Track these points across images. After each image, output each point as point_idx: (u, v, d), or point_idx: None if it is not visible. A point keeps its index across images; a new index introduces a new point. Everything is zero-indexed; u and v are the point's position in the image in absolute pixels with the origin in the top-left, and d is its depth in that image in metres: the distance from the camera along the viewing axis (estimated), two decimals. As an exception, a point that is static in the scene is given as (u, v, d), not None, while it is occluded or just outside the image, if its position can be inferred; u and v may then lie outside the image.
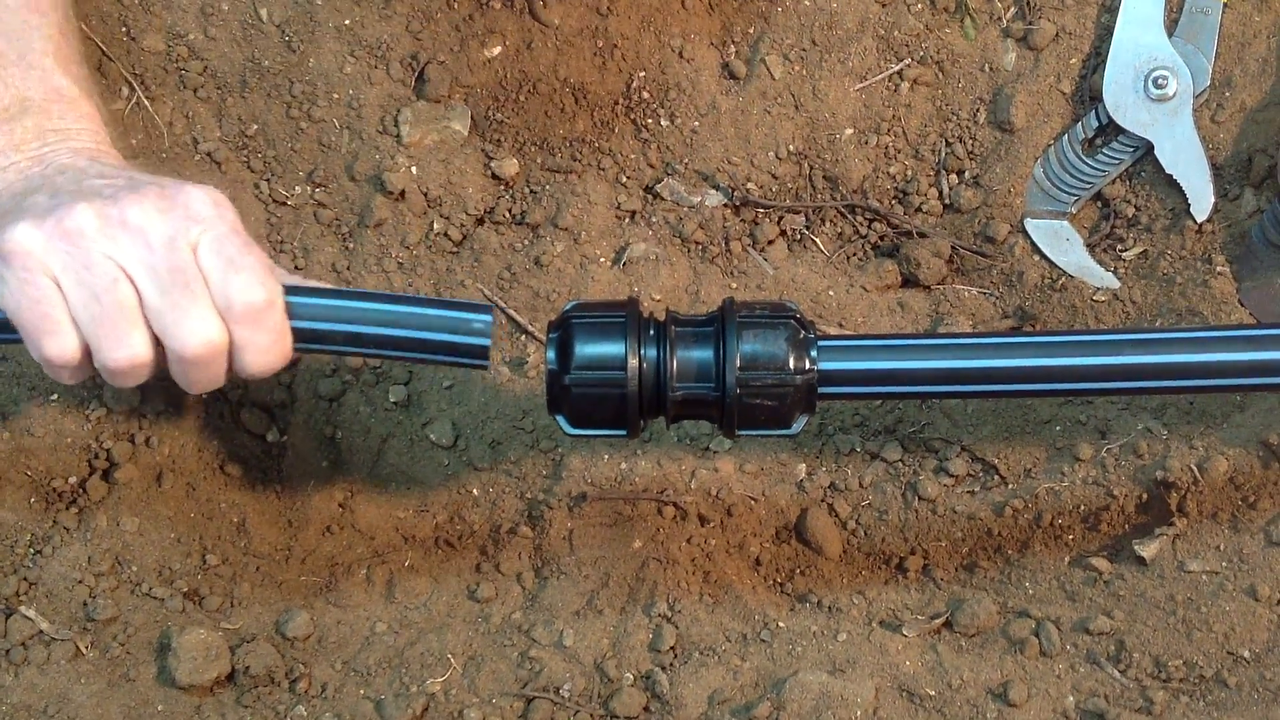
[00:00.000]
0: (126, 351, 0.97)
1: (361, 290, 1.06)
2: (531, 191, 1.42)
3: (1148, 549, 1.19)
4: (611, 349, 1.01)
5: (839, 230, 1.44)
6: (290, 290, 1.02)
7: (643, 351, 1.02)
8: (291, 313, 1.02)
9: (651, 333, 1.03)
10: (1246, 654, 1.11)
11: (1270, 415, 1.22)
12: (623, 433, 1.05)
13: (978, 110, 1.42)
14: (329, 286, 1.06)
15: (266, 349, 0.99)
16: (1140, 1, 1.38)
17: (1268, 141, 1.35)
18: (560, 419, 1.05)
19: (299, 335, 1.03)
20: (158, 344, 0.98)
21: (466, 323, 1.03)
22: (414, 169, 1.40)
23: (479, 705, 1.13)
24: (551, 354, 1.03)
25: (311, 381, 1.37)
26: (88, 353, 0.98)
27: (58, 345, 0.97)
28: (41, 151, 1.06)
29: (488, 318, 1.03)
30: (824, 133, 1.42)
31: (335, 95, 1.41)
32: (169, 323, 0.96)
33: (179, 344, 0.96)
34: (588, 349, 1.02)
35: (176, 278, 0.95)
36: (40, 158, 1.06)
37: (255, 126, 1.42)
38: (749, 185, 1.42)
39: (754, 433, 1.05)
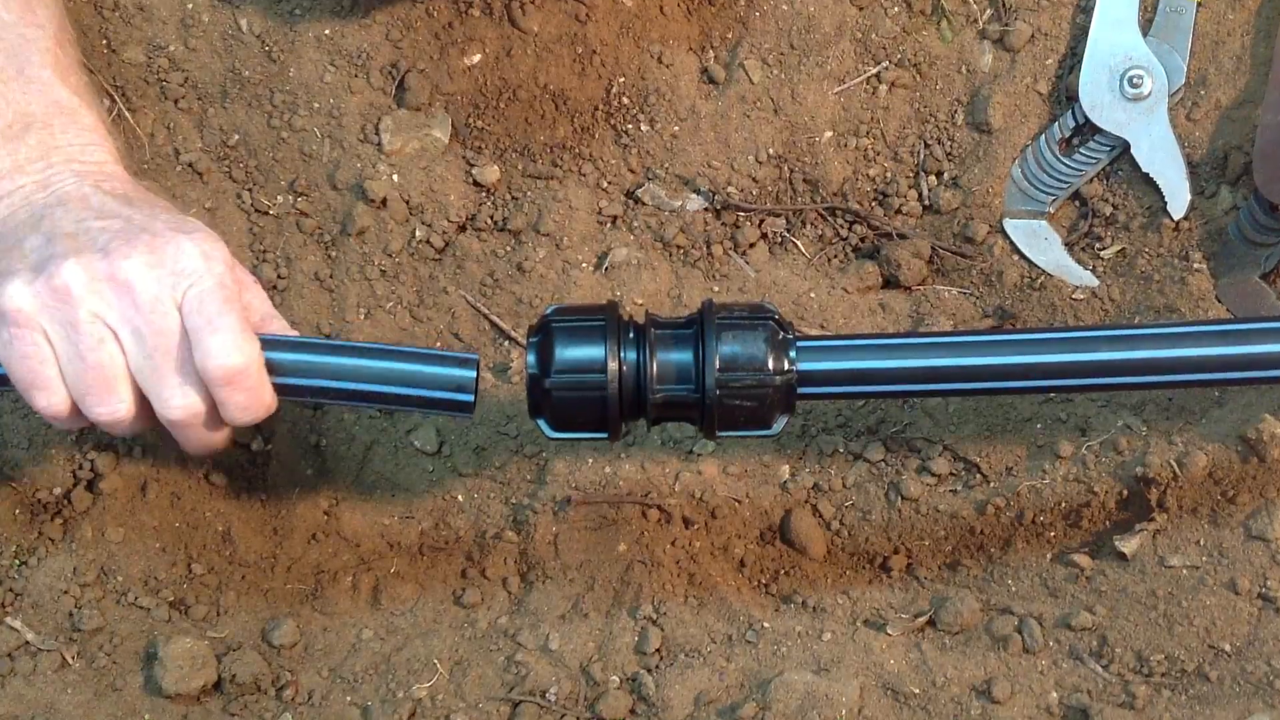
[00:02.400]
0: (109, 409, 0.99)
1: (343, 344, 1.07)
2: (513, 198, 1.43)
3: (1129, 545, 1.19)
4: (591, 352, 1.02)
5: (820, 233, 1.44)
6: (270, 345, 1.03)
7: (623, 354, 1.02)
8: (271, 368, 1.03)
9: (631, 336, 1.03)
10: (1228, 648, 1.11)
11: (1248, 410, 1.23)
12: (604, 436, 1.05)
13: (955, 112, 1.43)
14: (311, 340, 1.07)
15: (245, 407, 1.01)
16: (1115, 2, 1.39)
17: (1243, 139, 1.36)
18: (541, 423, 1.05)
19: (280, 389, 1.04)
20: (143, 399, 1.00)
21: (449, 379, 1.04)
22: (395, 177, 1.41)
23: (465, 710, 1.13)
24: (532, 358, 1.03)
25: (295, 390, 1.37)
26: (74, 404, 1.00)
27: (46, 400, 0.99)
28: (46, 174, 1.06)
29: (471, 373, 1.03)
30: (803, 136, 1.43)
31: (316, 104, 1.41)
32: (152, 385, 0.99)
33: (161, 407, 0.99)
34: (568, 353, 1.02)
35: (159, 341, 0.97)
36: (45, 182, 1.05)
37: (236, 136, 1.42)
38: (729, 189, 1.43)
39: (734, 434, 1.05)
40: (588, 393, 1.02)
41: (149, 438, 1.32)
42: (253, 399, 1.01)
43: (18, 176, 1.05)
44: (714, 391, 1.01)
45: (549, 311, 1.05)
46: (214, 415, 1.01)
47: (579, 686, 1.15)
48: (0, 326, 0.98)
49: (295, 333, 1.08)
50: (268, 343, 1.02)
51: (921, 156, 1.44)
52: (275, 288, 1.38)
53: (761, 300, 1.07)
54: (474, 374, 1.03)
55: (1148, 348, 1.06)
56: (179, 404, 0.99)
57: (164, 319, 0.97)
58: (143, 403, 1.00)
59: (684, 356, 1.03)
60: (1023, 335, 1.11)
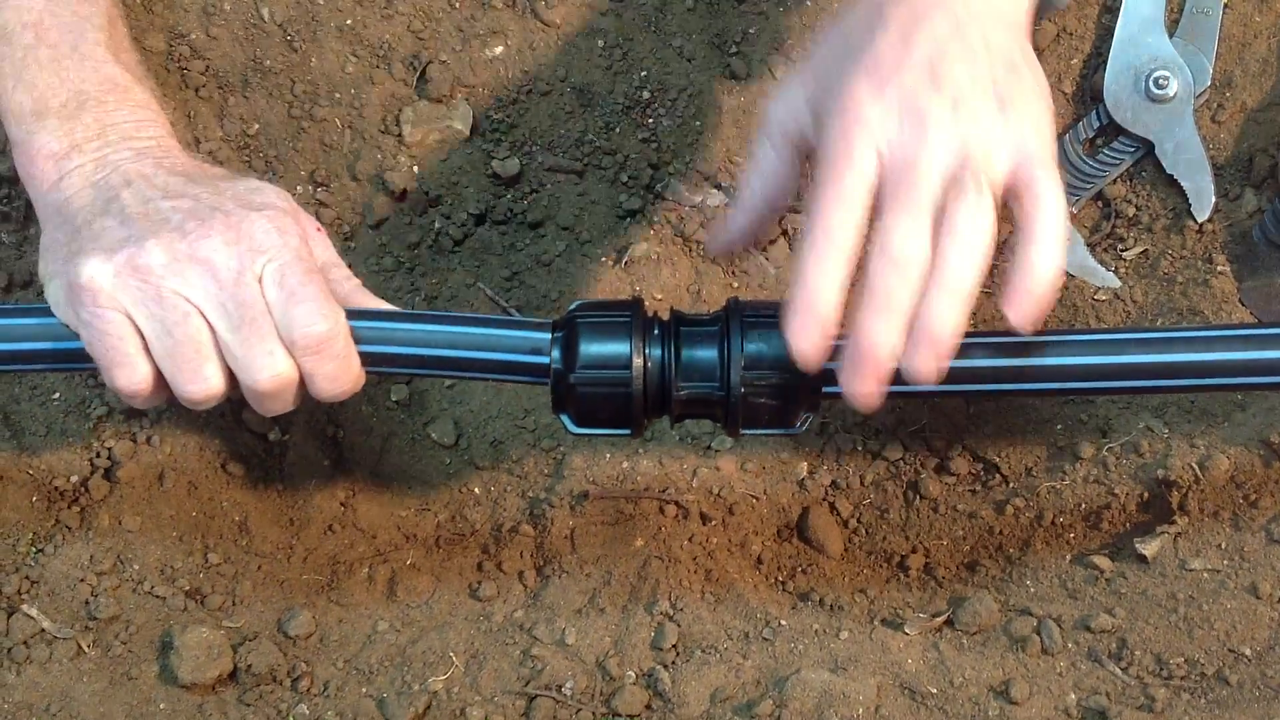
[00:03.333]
0: (202, 385, 0.99)
1: (425, 312, 1.08)
2: (533, 191, 1.42)
3: (1149, 547, 1.19)
4: (616, 348, 1.01)
5: (840, 230, 1.44)
6: (354, 315, 1.03)
7: (647, 351, 1.02)
8: (357, 338, 1.03)
9: (656, 332, 1.03)
10: (1248, 652, 1.11)
11: (1272, 414, 1.23)
12: (627, 432, 1.05)
13: (979, 110, 1.42)
14: (394, 309, 1.07)
15: (334, 376, 1.01)
16: (1141, 2, 1.38)
17: (1268, 141, 1.35)
18: (564, 418, 1.05)
19: (366, 359, 1.04)
20: (231, 374, 1.00)
21: (528, 341, 1.03)
22: (416, 168, 1.41)
23: (481, 703, 1.13)
24: (556, 354, 1.03)
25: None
26: (160, 382, 1.00)
27: (127, 377, 0.99)
28: (104, 153, 1.05)
29: (545, 335, 1.04)
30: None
31: (337, 95, 1.41)
32: (240, 357, 0.98)
33: (250, 378, 0.99)
34: (593, 348, 1.01)
35: (244, 313, 0.97)
36: (103, 160, 1.05)
37: (257, 126, 1.42)
38: (750, 185, 1.42)
39: (758, 431, 1.05)
40: (612, 389, 1.02)
41: (166, 426, 1.32)
42: (341, 368, 1.01)
43: (75, 156, 1.05)
44: (739, 389, 1.01)
45: (574, 307, 1.05)
46: (302, 387, 1.02)
47: (595, 681, 1.15)
48: (79, 305, 0.98)
49: (368, 292, 1.08)
50: (352, 313, 1.03)
51: (944, 155, 1.43)
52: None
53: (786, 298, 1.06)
54: (548, 335, 1.03)
55: (1173, 352, 1.05)
56: (268, 374, 0.99)
57: (246, 291, 0.97)
58: (230, 377, 1.00)
59: (709, 354, 1.02)
60: (1047, 337, 1.10)
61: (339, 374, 1.01)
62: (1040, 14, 1.07)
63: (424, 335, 1.04)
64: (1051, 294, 0.93)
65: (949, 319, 0.91)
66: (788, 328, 0.95)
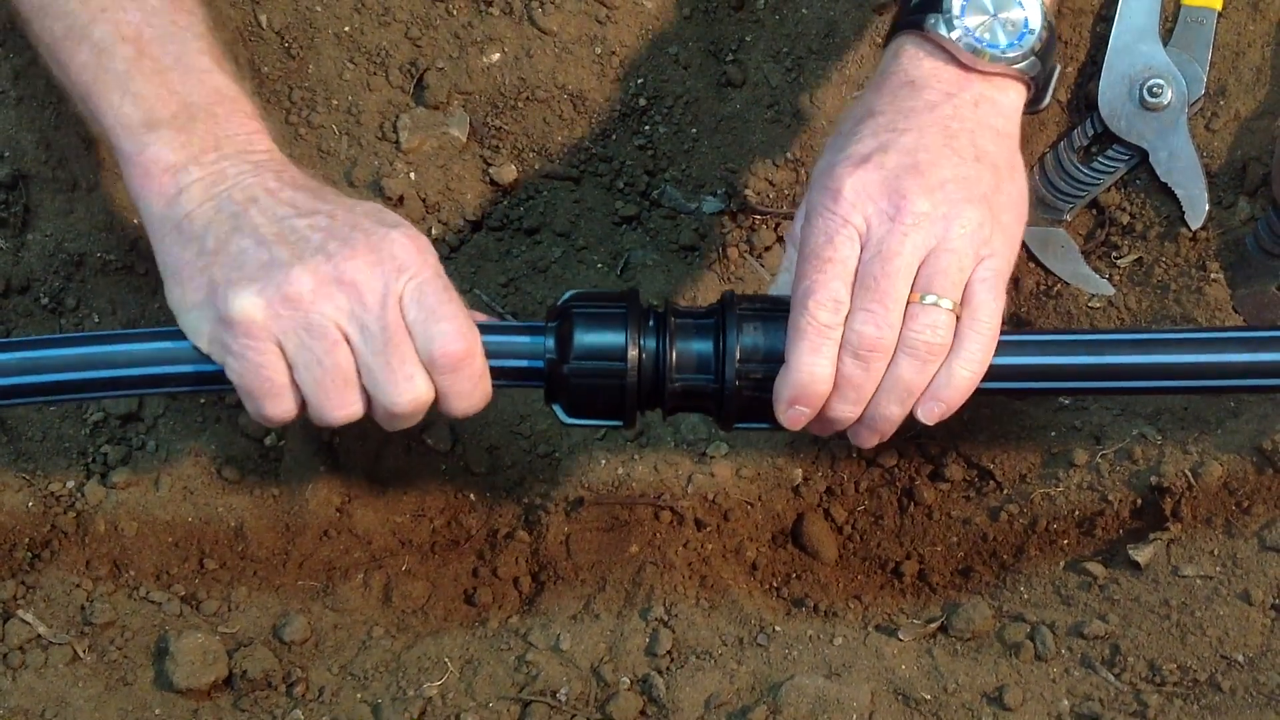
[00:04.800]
0: (345, 411, 0.99)
1: (483, 322, 1.08)
2: (530, 197, 1.43)
3: (1142, 554, 1.19)
4: (611, 339, 1.01)
5: (835, 237, 1.44)
6: (484, 329, 1.04)
7: (642, 342, 1.02)
8: (488, 352, 1.03)
9: (651, 324, 1.03)
10: (1240, 658, 1.11)
11: (1264, 421, 1.23)
12: (619, 423, 1.05)
13: (973, 118, 1.42)
14: (514, 322, 1.07)
15: (469, 394, 1.01)
16: (1135, 11, 1.38)
17: (1262, 150, 1.36)
18: (557, 408, 1.05)
19: (497, 374, 1.04)
20: (368, 396, 1.00)
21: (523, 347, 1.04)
22: (412, 175, 1.41)
23: (476, 709, 1.13)
24: (550, 343, 1.02)
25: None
26: (303, 407, 1.00)
27: (280, 408, 1.00)
28: (221, 166, 1.03)
29: (540, 339, 1.04)
30: (821, 139, 1.43)
31: (334, 101, 1.41)
32: (381, 381, 0.98)
33: (390, 401, 0.99)
34: (587, 338, 1.01)
35: (388, 336, 0.97)
36: (221, 173, 1.03)
37: (254, 133, 1.42)
38: (746, 192, 1.43)
39: (751, 426, 1.05)
40: (606, 379, 1.02)
41: (162, 432, 1.32)
42: (475, 386, 1.01)
43: (192, 169, 1.02)
44: (734, 382, 1.01)
45: (568, 296, 1.04)
46: (431, 406, 1.02)
47: (590, 687, 1.15)
48: (232, 339, 0.97)
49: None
50: (482, 328, 1.02)
51: (939, 162, 1.43)
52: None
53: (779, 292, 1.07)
54: (544, 340, 1.03)
55: (1169, 353, 1.06)
56: (408, 398, 0.99)
57: (390, 315, 0.97)
58: (367, 400, 1.00)
59: (704, 346, 1.02)
60: (1038, 336, 1.10)
61: (473, 391, 1.01)
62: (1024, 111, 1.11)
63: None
64: (963, 401, 1.01)
65: (892, 415, 1.01)
66: (778, 406, 1.01)
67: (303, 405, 1.00)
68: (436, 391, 1.00)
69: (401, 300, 0.98)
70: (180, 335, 1.01)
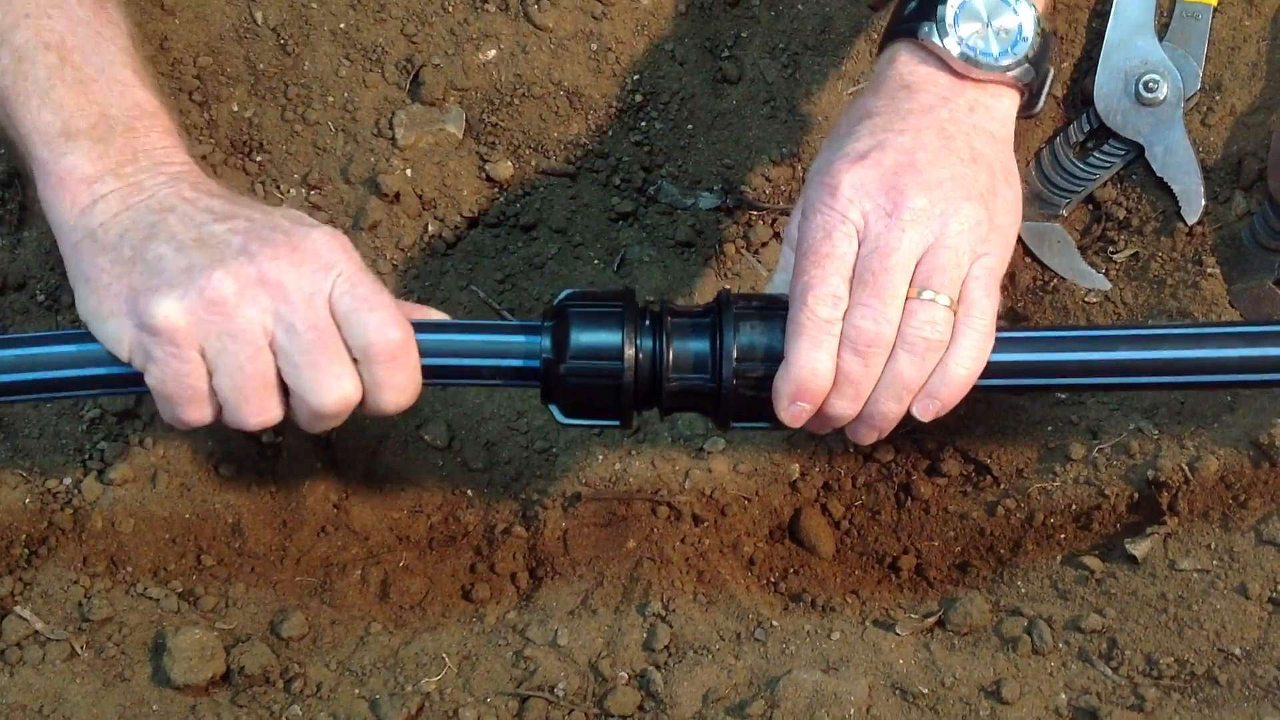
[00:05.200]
0: (261, 417, 0.98)
1: (480, 322, 1.07)
2: (526, 194, 1.43)
3: (1139, 548, 1.19)
4: (608, 339, 1.01)
5: (832, 233, 1.44)
6: (480, 328, 1.03)
7: (639, 342, 1.01)
8: (484, 352, 1.02)
9: (647, 323, 1.02)
10: (1237, 651, 1.11)
11: (1260, 415, 1.23)
12: (616, 423, 1.04)
13: (970, 113, 1.42)
14: (449, 320, 1.06)
15: (403, 387, 1.00)
16: (1131, 6, 1.39)
17: (1258, 144, 1.36)
18: (554, 408, 1.05)
19: (494, 374, 1.03)
20: (288, 401, 0.99)
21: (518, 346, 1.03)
22: (409, 171, 1.41)
23: (474, 704, 1.13)
24: (546, 343, 1.02)
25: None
26: (220, 412, 0.99)
27: (198, 413, 0.98)
28: (138, 178, 1.02)
29: (535, 339, 1.03)
30: (817, 135, 1.43)
31: (330, 98, 1.41)
32: (307, 381, 0.97)
33: (317, 401, 0.97)
34: (584, 338, 1.01)
35: (316, 334, 0.96)
36: (138, 185, 1.02)
37: (250, 130, 1.42)
38: (742, 187, 1.43)
39: (748, 425, 1.05)
40: (603, 380, 1.01)
41: (159, 428, 1.32)
42: (409, 378, 1.00)
43: (109, 179, 1.01)
44: (730, 382, 1.01)
45: (564, 295, 1.04)
46: (357, 405, 1.00)
47: (587, 682, 1.15)
48: (154, 346, 0.96)
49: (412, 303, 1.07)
50: (414, 324, 1.02)
51: (935, 158, 1.43)
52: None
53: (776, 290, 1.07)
54: (540, 340, 1.02)
55: (1166, 348, 1.06)
56: (335, 397, 0.97)
57: (319, 311, 0.96)
58: (287, 404, 0.99)
59: (701, 345, 1.02)
60: (1035, 333, 1.10)
61: (407, 385, 1.00)
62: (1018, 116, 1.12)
63: (481, 345, 1.03)
64: (959, 398, 1.01)
65: (891, 411, 1.01)
66: (778, 404, 1.00)
67: (219, 410, 0.98)
68: (365, 388, 0.98)
69: (331, 296, 0.96)
70: (93, 339, 1.00)
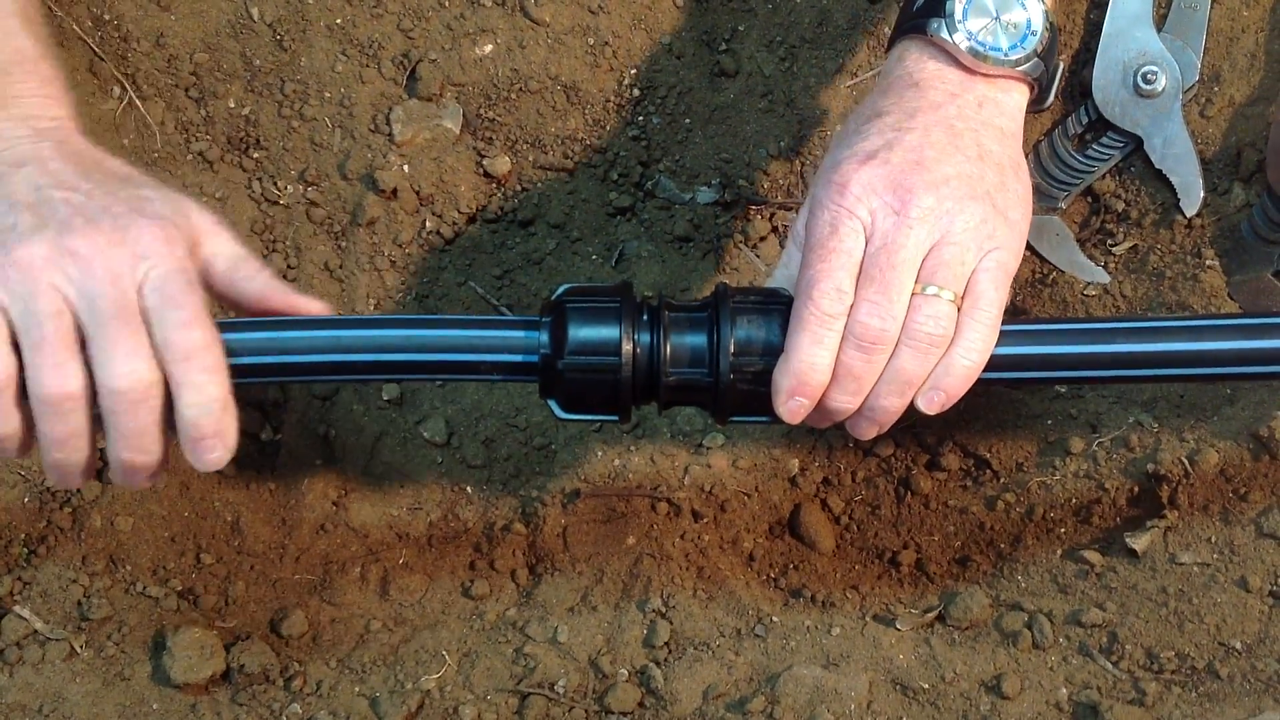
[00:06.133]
0: (61, 380, 0.95)
1: (479, 317, 1.06)
2: (524, 189, 1.42)
3: (1139, 541, 1.19)
4: (606, 334, 1.01)
5: (830, 226, 1.44)
6: (478, 324, 1.03)
7: (636, 336, 1.02)
8: (481, 347, 1.02)
9: (645, 317, 1.02)
10: (1238, 645, 1.11)
11: (1260, 408, 1.23)
12: (614, 418, 1.05)
13: (968, 106, 1.42)
14: (447, 315, 1.05)
15: (202, 386, 0.97)
16: (1129, -3, 1.38)
17: (1256, 136, 1.36)
18: (552, 403, 1.05)
19: (493, 369, 1.03)
20: (90, 380, 0.96)
21: (516, 341, 1.03)
22: (406, 167, 1.41)
23: (474, 702, 1.13)
24: (545, 338, 1.02)
25: (305, 380, 1.37)
26: (18, 384, 0.96)
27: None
28: (2, 126, 1.02)
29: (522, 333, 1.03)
30: (815, 129, 1.42)
31: (327, 94, 1.41)
32: (103, 351, 0.95)
33: (109, 375, 0.95)
34: (581, 333, 1.01)
35: (115, 310, 0.95)
36: (0, 133, 1.01)
37: (247, 126, 1.42)
38: (740, 182, 1.43)
39: (746, 419, 1.05)
40: (601, 375, 1.01)
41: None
42: (212, 378, 0.97)
43: None
44: (728, 376, 1.01)
45: (561, 290, 1.04)
46: (166, 408, 0.97)
47: (587, 679, 1.15)
48: None
49: (285, 285, 1.05)
50: (222, 324, 1.00)
51: (933, 151, 1.43)
52: (285, 277, 1.38)
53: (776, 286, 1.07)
54: (539, 335, 1.02)
55: (1166, 341, 1.06)
56: (128, 372, 0.95)
57: (122, 292, 0.95)
58: (90, 383, 0.96)
59: (698, 340, 1.02)
60: (1032, 325, 1.10)
61: (207, 384, 0.96)
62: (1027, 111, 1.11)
63: (295, 342, 1.02)
64: (963, 390, 1.01)
65: (891, 406, 1.01)
66: (777, 398, 1.00)
67: (19, 384, 0.95)
68: (168, 384, 0.96)
69: (141, 288, 0.95)
70: None
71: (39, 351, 0.95)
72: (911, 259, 0.99)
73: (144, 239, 0.97)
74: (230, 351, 0.99)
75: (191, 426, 0.96)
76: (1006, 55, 1.06)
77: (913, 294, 0.99)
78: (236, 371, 1.00)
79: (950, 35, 1.06)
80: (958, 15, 1.06)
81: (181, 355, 0.96)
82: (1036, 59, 1.07)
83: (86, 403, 0.97)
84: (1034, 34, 1.07)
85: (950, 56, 1.07)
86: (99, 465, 1.01)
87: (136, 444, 0.98)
